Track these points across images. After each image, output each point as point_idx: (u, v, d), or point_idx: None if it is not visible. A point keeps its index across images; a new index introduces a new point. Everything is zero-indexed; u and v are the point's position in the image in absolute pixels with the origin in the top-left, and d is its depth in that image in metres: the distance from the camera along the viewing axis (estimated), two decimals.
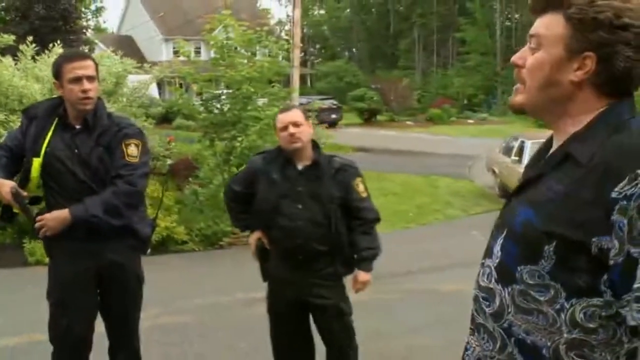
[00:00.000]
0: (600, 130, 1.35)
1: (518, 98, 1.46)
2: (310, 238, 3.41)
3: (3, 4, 24.38)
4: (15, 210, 3.17)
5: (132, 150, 3.20)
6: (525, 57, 1.43)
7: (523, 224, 1.39)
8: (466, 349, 1.61)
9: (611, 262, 1.26)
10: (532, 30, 1.43)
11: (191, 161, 11.16)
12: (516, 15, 51.54)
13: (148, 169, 3.41)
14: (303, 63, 56.77)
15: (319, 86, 47.36)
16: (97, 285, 3.26)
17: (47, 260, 3.35)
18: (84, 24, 26.69)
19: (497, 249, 1.47)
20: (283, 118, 3.45)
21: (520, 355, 1.43)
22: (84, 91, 3.08)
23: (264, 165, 3.54)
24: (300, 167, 3.49)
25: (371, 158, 20.68)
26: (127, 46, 37.77)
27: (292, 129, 3.39)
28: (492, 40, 47.71)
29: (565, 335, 1.35)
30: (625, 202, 1.23)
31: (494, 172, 14.06)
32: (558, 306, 1.35)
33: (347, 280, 3.59)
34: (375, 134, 28.64)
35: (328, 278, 3.52)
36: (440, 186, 14.83)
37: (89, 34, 27.64)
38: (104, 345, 3.41)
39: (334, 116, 31.89)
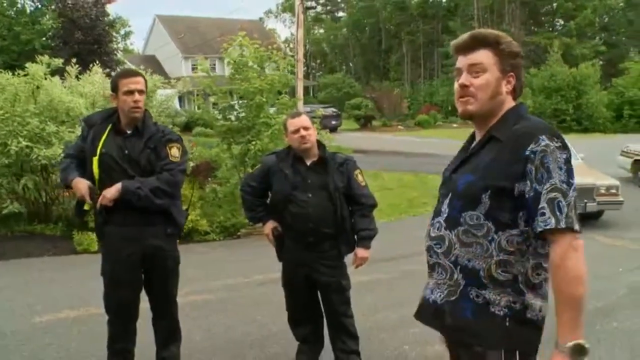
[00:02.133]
0: (510, 121, 1.87)
1: (471, 107, 1.91)
2: (319, 222, 3.56)
3: (50, 33, 24.80)
4: (86, 207, 3.36)
5: (175, 151, 3.42)
6: (470, 80, 1.90)
7: (465, 185, 1.85)
8: (425, 289, 2.02)
9: (526, 197, 1.74)
10: (473, 61, 1.89)
11: (210, 163, 11.31)
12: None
13: (186, 167, 3.61)
14: (306, 76, 56.96)
15: (321, 96, 47.38)
16: (141, 265, 3.43)
17: (92, 248, 3.51)
18: (115, 46, 26.89)
19: (444, 207, 1.92)
20: (295, 122, 3.62)
21: (463, 279, 1.86)
22: (135, 101, 3.30)
23: (277, 162, 3.69)
24: (308, 163, 3.66)
25: (368, 158, 20.72)
26: (151, 64, 37.81)
27: (302, 132, 3.57)
28: None
29: (494, 258, 1.81)
30: (532, 156, 1.74)
31: None
32: (490, 237, 1.81)
33: (349, 260, 3.75)
34: (370, 138, 28.63)
35: (332, 259, 3.68)
36: (428, 182, 14.89)
37: (119, 55, 27.84)
38: (147, 317, 3.61)
39: (334, 122, 31.93)
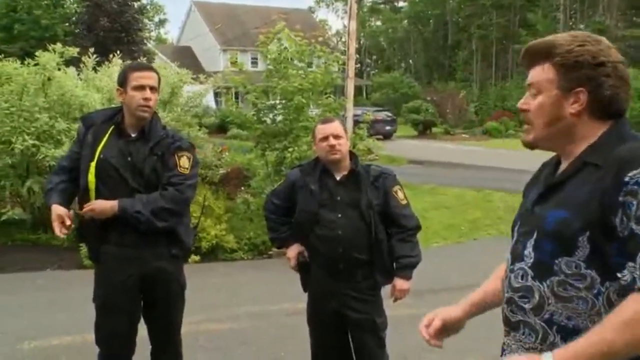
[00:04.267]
0: (610, 141, 1.65)
1: (529, 136, 1.78)
2: (350, 246, 3.45)
3: (74, 18, 25.54)
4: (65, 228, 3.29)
5: (184, 161, 3.34)
6: (529, 102, 1.76)
7: (556, 223, 1.63)
8: (503, 350, 1.81)
9: (620, 235, 1.52)
10: (529, 81, 1.76)
11: (243, 171, 11.33)
12: (581, 26, 50.27)
13: (197, 181, 3.53)
14: (359, 74, 57.10)
15: (374, 97, 47.27)
16: (140, 290, 3.37)
17: None
18: (147, 35, 27.56)
19: (529, 250, 1.70)
20: (324, 129, 3.52)
21: (562, 342, 1.61)
22: (146, 99, 3.24)
23: (302, 176, 3.60)
24: (338, 177, 3.55)
25: (425, 171, 20.52)
26: (186, 57, 38.71)
27: (332, 141, 3.46)
28: None
29: (603, 315, 1.56)
30: (635, 187, 1.51)
31: None
32: (595, 291, 1.59)
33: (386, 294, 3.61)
34: (430, 147, 28.36)
35: (366, 291, 3.55)
36: (494, 200, 14.58)
37: (151, 44, 28.50)
38: (147, 348, 3.52)
39: (388, 128, 31.76)
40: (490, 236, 11.64)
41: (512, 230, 1.85)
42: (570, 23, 50.18)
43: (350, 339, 3.67)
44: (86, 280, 6.89)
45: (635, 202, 1.50)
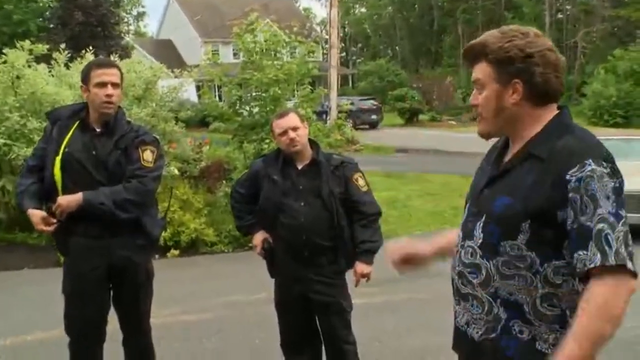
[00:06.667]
0: (552, 133, 1.88)
1: (481, 127, 2.01)
2: (313, 233, 3.60)
3: (47, 13, 25.38)
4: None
5: (148, 155, 3.49)
6: (477, 97, 1.98)
7: (502, 209, 1.87)
8: (455, 317, 2.07)
9: (568, 228, 1.76)
10: (473, 78, 1.98)
11: (223, 164, 11.42)
12: (567, 7, 50.45)
13: (161, 173, 3.68)
14: (345, 63, 56.99)
15: (360, 86, 47.30)
16: (108, 279, 3.52)
17: None
18: (124, 28, 27.47)
19: (478, 232, 1.94)
20: (280, 124, 3.65)
21: (505, 313, 1.89)
22: (108, 95, 3.39)
23: (265, 167, 3.74)
24: (300, 166, 3.70)
25: (411, 159, 20.68)
26: (166, 50, 38.62)
27: (291, 134, 3.60)
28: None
29: (540, 291, 1.84)
30: (577, 183, 1.75)
31: None
32: (534, 270, 1.83)
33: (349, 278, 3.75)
34: (416, 134, 28.46)
35: (331, 275, 3.70)
36: None
37: (129, 38, 28.40)
38: (117, 340, 3.68)
39: (374, 117, 31.92)
40: None
41: (464, 208, 2.07)
42: (557, 4, 50.35)
43: (317, 322, 3.83)
44: (61, 278, 7.02)
45: (578, 197, 1.74)
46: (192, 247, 8.82)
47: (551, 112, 1.93)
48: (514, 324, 1.88)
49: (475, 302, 1.95)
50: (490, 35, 1.94)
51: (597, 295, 1.69)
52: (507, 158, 1.98)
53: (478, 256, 1.93)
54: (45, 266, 7.74)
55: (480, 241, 1.93)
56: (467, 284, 1.96)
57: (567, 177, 1.76)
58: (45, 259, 7.90)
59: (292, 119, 3.66)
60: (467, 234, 1.99)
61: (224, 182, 10.93)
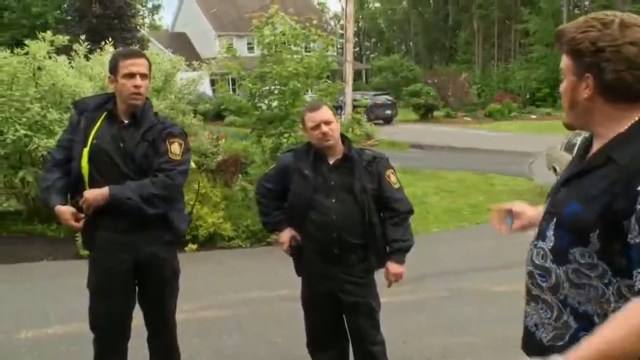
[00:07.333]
0: (635, 137, 1.73)
1: (565, 118, 1.93)
2: (344, 231, 3.51)
3: (65, 5, 25.54)
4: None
5: (175, 148, 3.42)
6: (560, 87, 1.90)
7: (571, 216, 1.76)
8: (525, 316, 1.97)
9: (630, 243, 1.62)
10: (560, 66, 1.89)
11: (240, 158, 11.37)
12: (586, 2, 49.93)
13: (188, 167, 3.60)
14: (358, 58, 56.85)
15: (374, 82, 47.17)
16: (134, 276, 3.46)
17: None
18: (140, 21, 27.57)
19: (550, 233, 1.84)
20: (314, 117, 3.55)
21: (574, 322, 1.79)
22: (136, 87, 3.32)
23: (295, 161, 3.65)
24: (331, 161, 3.60)
25: (426, 155, 20.61)
26: (181, 43, 38.64)
27: (324, 128, 3.51)
28: None
29: (613, 304, 1.71)
30: None
31: (554, 169, 13.78)
32: (606, 280, 1.71)
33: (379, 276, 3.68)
34: (431, 130, 28.39)
35: (361, 274, 3.62)
36: (497, 184, 14.65)
37: (144, 31, 28.49)
38: (142, 336, 3.63)
39: (388, 112, 31.80)
40: None
41: (546, 201, 1.98)
42: (576, 0, 49.84)
43: (345, 322, 3.75)
44: (82, 271, 7.01)
45: None
46: (210, 242, 8.77)
47: (637, 112, 1.76)
48: (583, 336, 1.74)
49: (545, 305, 1.87)
50: (571, 24, 1.85)
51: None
52: (589, 155, 1.87)
53: (549, 260, 1.84)
54: (64, 258, 7.74)
55: (551, 244, 1.84)
56: (537, 286, 1.89)
57: (638, 188, 1.62)
58: (64, 250, 7.91)
59: (325, 112, 3.58)
60: (540, 234, 1.90)
61: (240, 176, 10.90)
